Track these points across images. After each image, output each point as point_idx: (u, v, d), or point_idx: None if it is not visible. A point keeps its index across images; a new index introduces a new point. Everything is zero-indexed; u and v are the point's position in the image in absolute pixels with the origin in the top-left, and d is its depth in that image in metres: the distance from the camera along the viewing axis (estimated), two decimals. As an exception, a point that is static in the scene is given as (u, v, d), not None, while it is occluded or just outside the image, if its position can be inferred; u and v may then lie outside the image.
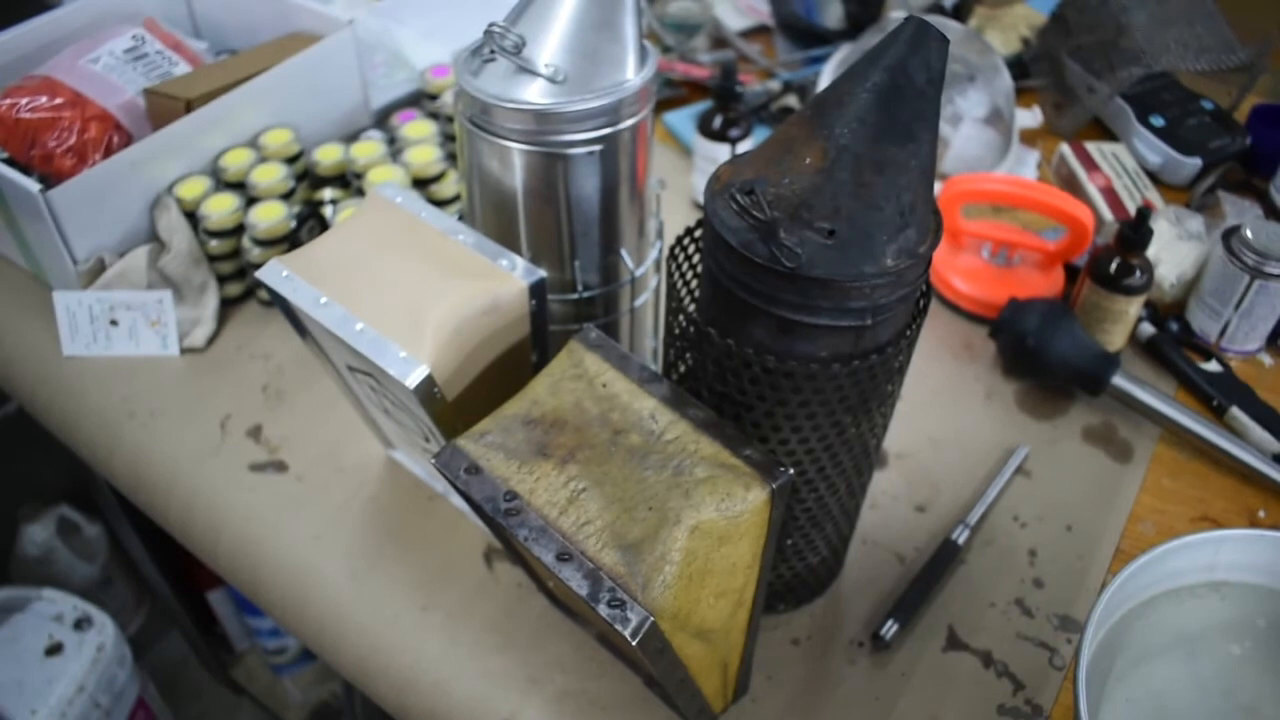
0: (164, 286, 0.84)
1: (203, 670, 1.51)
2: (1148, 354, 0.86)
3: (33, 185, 0.78)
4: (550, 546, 0.44)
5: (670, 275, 0.56)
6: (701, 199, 1.00)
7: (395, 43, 1.05)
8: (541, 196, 0.60)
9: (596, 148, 0.58)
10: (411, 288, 0.55)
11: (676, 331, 0.54)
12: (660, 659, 0.46)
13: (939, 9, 1.19)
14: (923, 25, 0.43)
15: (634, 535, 0.44)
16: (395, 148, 0.91)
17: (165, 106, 0.87)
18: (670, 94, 1.16)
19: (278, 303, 0.60)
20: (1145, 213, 0.78)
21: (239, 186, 0.87)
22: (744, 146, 0.96)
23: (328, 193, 0.88)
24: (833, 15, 1.23)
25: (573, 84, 0.55)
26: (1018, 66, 1.13)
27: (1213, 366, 0.83)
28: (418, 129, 0.92)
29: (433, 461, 0.49)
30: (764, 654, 0.64)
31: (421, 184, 0.89)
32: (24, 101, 0.83)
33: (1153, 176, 1.03)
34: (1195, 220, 0.92)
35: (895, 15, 1.17)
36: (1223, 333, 0.85)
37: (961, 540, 0.70)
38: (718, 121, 0.96)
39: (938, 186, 0.81)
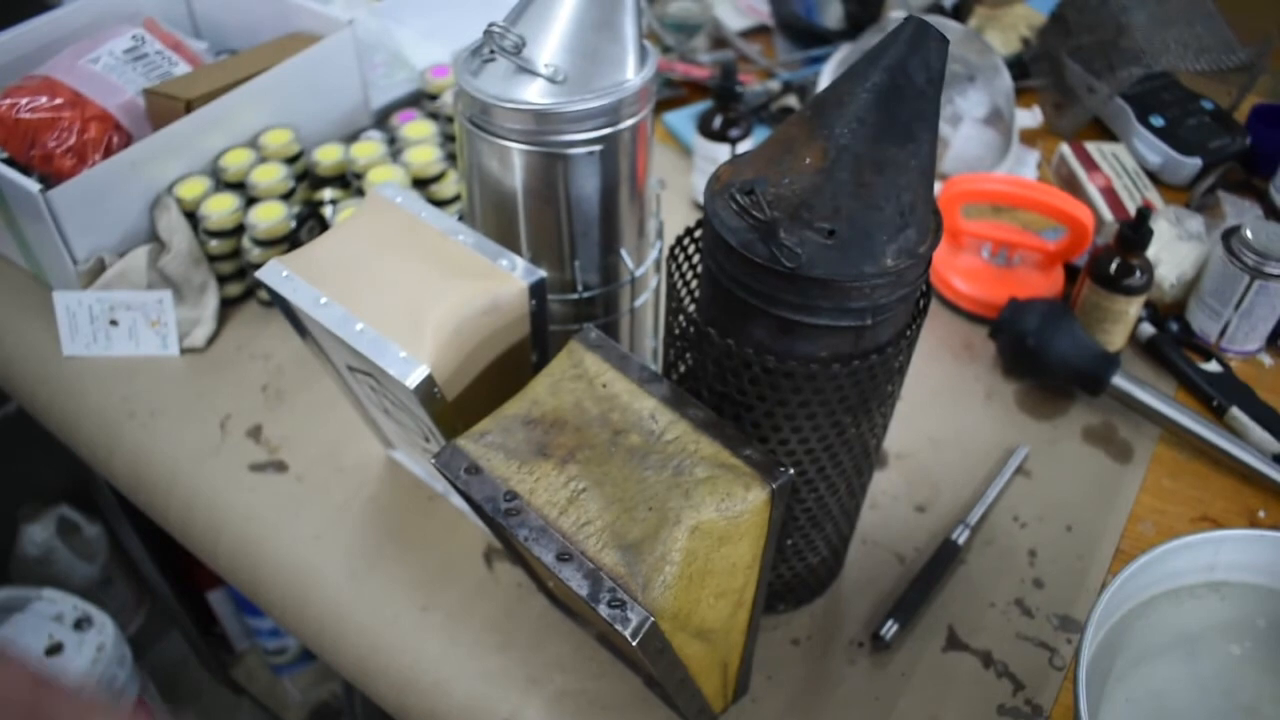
0: (164, 286, 0.84)
1: (203, 670, 1.50)
2: (1148, 354, 0.86)
3: (33, 185, 0.78)
4: (550, 546, 0.44)
5: (670, 275, 0.56)
6: (701, 199, 1.00)
7: (395, 43, 1.05)
8: (541, 196, 0.60)
9: (596, 148, 0.58)
10: (411, 288, 0.55)
11: (676, 331, 0.54)
12: (660, 659, 0.46)
13: (939, 9, 1.19)
14: (922, 25, 0.43)
15: (634, 535, 0.44)
16: (395, 148, 0.91)
17: (165, 106, 0.87)
18: (670, 94, 1.16)
19: (278, 303, 0.60)
20: (1145, 213, 0.78)
21: (239, 186, 0.87)
22: (744, 146, 0.96)
23: (328, 193, 0.88)
24: (832, 15, 1.23)
25: (573, 84, 0.55)
26: (1018, 66, 1.13)
27: (1213, 367, 0.83)
28: (418, 129, 0.92)
29: (433, 461, 0.49)
30: (764, 654, 0.64)
31: (421, 184, 0.89)
32: (24, 101, 0.83)
33: (1153, 176, 1.03)
34: (1195, 220, 0.92)
35: (895, 15, 1.17)
36: (1223, 333, 0.85)
37: (961, 540, 0.70)
38: (718, 121, 0.96)
39: (938, 186, 0.81)
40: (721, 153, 0.96)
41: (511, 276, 0.56)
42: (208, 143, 0.88)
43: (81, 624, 1.16)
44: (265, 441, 0.78)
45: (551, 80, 0.55)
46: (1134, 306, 0.81)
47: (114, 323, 0.84)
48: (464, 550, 0.70)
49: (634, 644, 0.42)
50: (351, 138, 0.95)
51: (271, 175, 0.86)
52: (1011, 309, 0.83)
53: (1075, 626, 0.66)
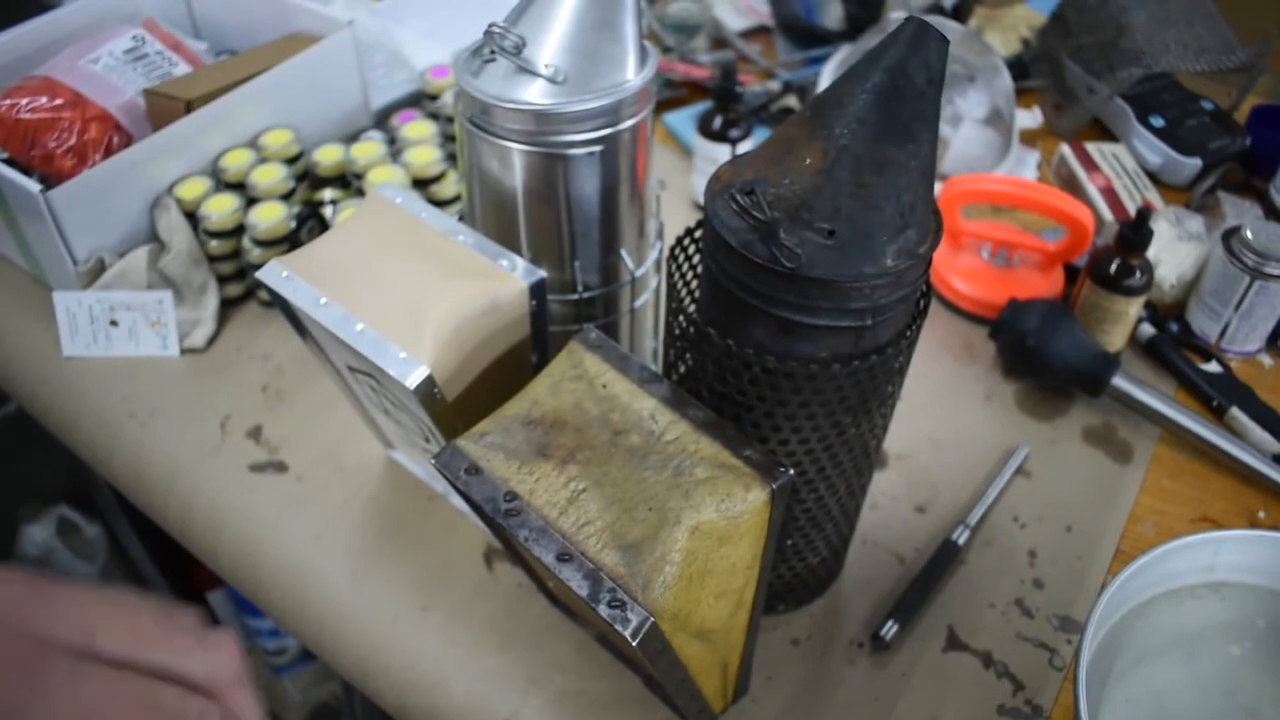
0: (164, 287, 0.84)
1: (202, 670, 1.50)
2: (1148, 355, 0.86)
3: (33, 185, 0.78)
4: (550, 547, 0.44)
5: (670, 276, 0.56)
6: (701, 199, 1.00)
7: (395, 43, 1.05)
8: (541, 197, 0.60)
9: (596, 148, 0.58)
10: (411, 288, 0.55)
11: (676, 332, 0.54)
12: (660, 659, 0.46)
13: (939, 9, 1.19)
14: (922, 26, 0.43)
15: (634, 536, 0.44)
16: (395, 148, 0.91)
17: (165, 107, 0.87)
18: (670, 94, 1.16)
19: (278, 303, 0.60)
20: (1145, 213, 0.78)
21: (239, 187, 0.87)
22: (744, 147, 0.96)
23: (328, 193, 0.88)
24: (833, 16, 1.23)
25: (573, 84, 0.55)
26: (1018, 67, 1.13)
27: (1213, 367, 0.83)
28: (418, 129, 0.92)
29: (433, 462, 0.49)
30: (764, 654, 0.64)
31: (421, 184, 0.89)
32: (24, 102, 0.83)
33: (1153, 177, 1.03)
34: (1195, 221, 0.92)
35: (895, 16, 1.17)
36: (1223, 333, 0.85)
37: (961, 541, 0.70)
38: (718, 122, 0.96)
39: (938, 187, 0.81)
40: (721, 153, 0.96)
41: (511, 277, 0.56)
42: (208, 143, 0.88)
43: (81, 624, 1.16)
44: (265, 442, 0.78)
45: (552, 80, 0.55)
46: (1134, 307, 0.81)
47: (114, 323, 0.84)
48: (464, 550, 0.70)
49: (634, 644, 0.42)
50: (351, 138, 0.95)
51: (271, 175, 0.86)
52: (1011, 309, 0.83)
53: (1075, 627, 0.66)
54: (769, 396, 0.49)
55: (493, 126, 0.57)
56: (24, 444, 1.28)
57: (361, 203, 0.81)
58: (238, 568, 0.73)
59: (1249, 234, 0.80)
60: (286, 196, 0.87)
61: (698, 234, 0.57)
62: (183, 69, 0.94)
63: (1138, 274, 0.80)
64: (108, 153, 0.85)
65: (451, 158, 0.91)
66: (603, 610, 0.42)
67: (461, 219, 0.72)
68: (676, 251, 0.56)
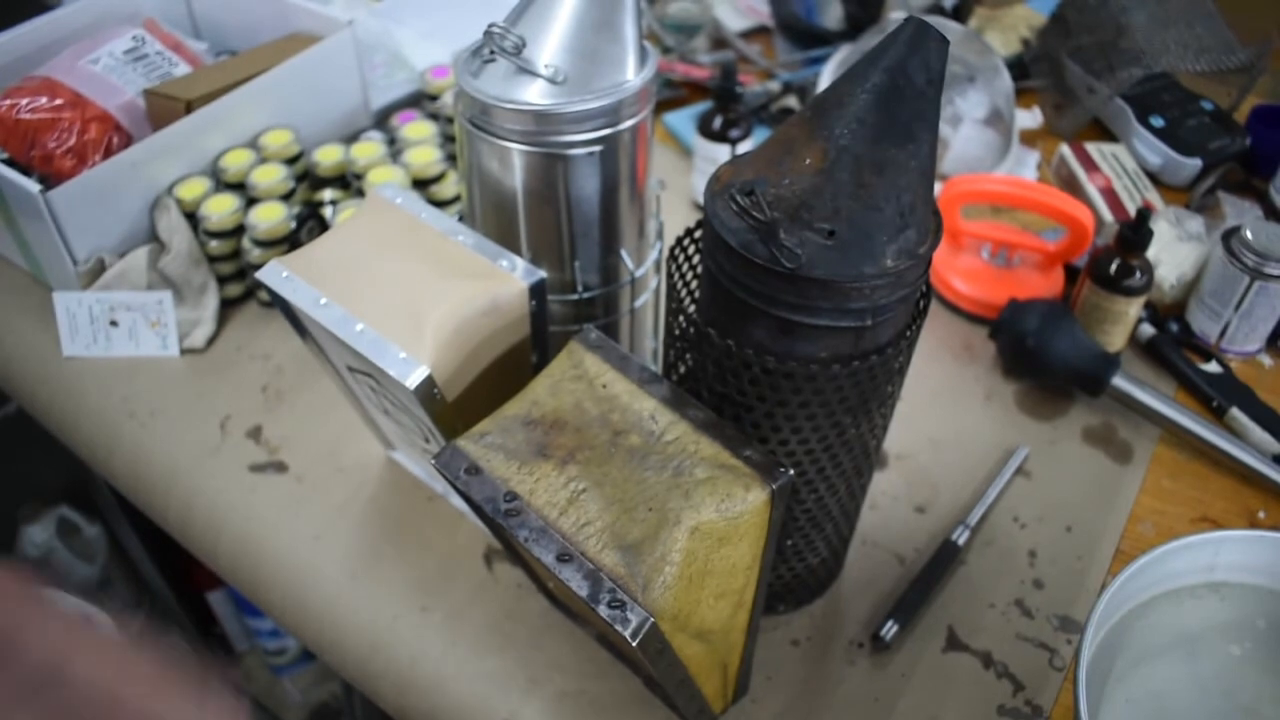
0: (164, 287, 0.84)
1: (202, 671, 1.50)
2: (1148, 355, 0.86)
3: (33, 185, 0.78)
4: (550, 547, 0.44)
5: (670, 276, 0.56)
6: (701, 199, 1.00)
7: (395, 43, 1.05)
8: (541, 197, 0.60)
9: (596, 148, 0.58)
10: (411, 288, 0.55)
11: (676, 332, 0.54)
12: (660, 660, 0.46)
13: (939, 10, 1.19)
14: (922, 26, 0.43)
15: (634, 536, 0.44)
16: (395, 148, 0.91)
17: (165, 107, 0.87)
18: (670, 94, 1.16)
19: (278, 303, 0.60)
20: (1145, 214, 0.78)
21: (239, 187, 0.87)
22: (744, 147, 0.96)
23: (328, 193, 0.88)
24: (832, 16, 1.23)
25: (573, 84, 0.55)
26: (1018, 67, 1.13)
27: (1213, 367, 0.83)
28: (418, 130, 0.92)
29: (433, 462, 0.49)
30: (764, 655, 0.64)
31: (421, 185, 0.89)
32: (24, 102, 0.83)
33: (1153, 177, 1.03)
34: (1195, 221, 0.92)
35: (895, 16, 1.17)
36: (1223, 334, 0.85)
37: (961, 541, 0.70)
38: (718, 122, 0.96)
39: (938, 187, 0.81)
40: (721, 153, 0.96)
41: (511, 277, 0.56)
42: (208, 143, 0.88)
43: (81, 624, 1.16)
44: (265, 442, 0.78)
45: (551, 81, 0.55)
46: (1134, 307, 0.81)
47: (114, 323, 0.84)
48: (464, 550, 0.70)
49: (634, 644, 0.42)
50: (351, 138, 0.95)
51: (271, 176, 0.86)
52: (1011, 310, 0.83)
53: (1075, 627, 0.66)
54: (769, 397, 0.49)
55: (493, 127, 0.57)
56: (24, 444, 1.28)
57: (361, 203, 0.81)
58: (238, 568, 0.73)
59: (1249, 234, 0.80)
60: (286, 197, 0.87)
61: (698, 234, 0.57)
62: (183, 69, 0.94)
63: (1138, 274, 0.80)
64: (108, 153, 0.85)
65: (451, 158, 0.91)
66: (603, 610, 0.42)
67: (461, 219, 0.72)
68: (676, 251, 0.56)
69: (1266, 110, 1.04)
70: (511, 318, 0.57)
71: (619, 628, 0.42)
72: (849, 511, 0.61)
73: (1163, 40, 1.01)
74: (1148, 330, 0.86)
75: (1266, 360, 0.86)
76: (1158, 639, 0.56)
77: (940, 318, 0.90)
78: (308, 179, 0.90)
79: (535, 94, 0.55)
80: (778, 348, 0.48)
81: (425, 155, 0.89)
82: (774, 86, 1.14)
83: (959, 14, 1.21)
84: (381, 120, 1.01)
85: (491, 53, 0.56)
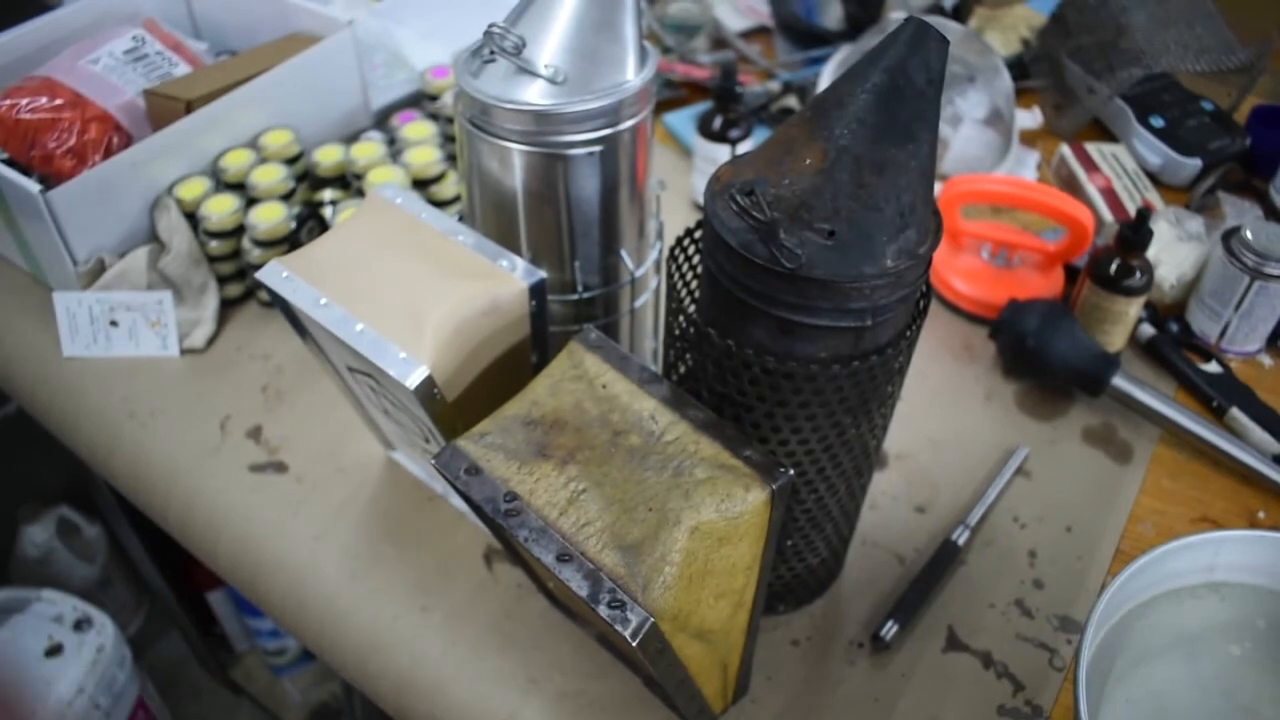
0: (164, 287, 0.84)
1: (202, 671, 1.50)
2: (1148, 355, 0.86)
3: (33, 186, 0.78)
4: (550, 547, 0.44)
5: (670, 276, 0.56)
6: (701, 199, 1.00)
7: (395, 43, 1.05)
8: (541, 197, 0.60)
9: (596, 148, 0.58)
10: (411, 288, 0.55)
11: (676, 332, 0.54)
12: (660, 660, 0.46)
13: (939, 10, 1.19)
14: (922, 26, 0.43)
15: (634, 536, 0.44)
16: (395, 148, 0.91)
17: (165, 107, 0.87)
18: (670, 95, 1.16)
19: (278, 303, 0.60)
20: (1145, 214, 0.78)
21: (239, 187, 0.87)
22: (744, 147, 0.96)
23: (328, 193, 0.88)
24: (832, 16, 1.23)
25: (573, 85, 0.55)
26: (1018, 67, 1.13)
27: (1213, 367, 0.83)
28: (418, 130, 0.92)
29: (433, 462, 0.49)
30: (764, 655, 0.64)
31: (421, 185, 0.89)
32: (24, 102, 0.83)
33: (1153, 177, 1.03)
34: (1195, 221, 0.92)
35: (895, 16, 1.17)
36: (1223, 334, 0.85)
37: (961, 541, 0.70)
38: (718, 122, 0.96)
39: (938, 187, 0.81)
40: (721, 153, 0.96)
41: (511, 277, 0.56)
42: (208, 143, 0.88)
43: (81, 625, 1.16)
44: (265, 442, 0.78)
45: (551, 81, 0.55)
46: (1134, 307, 0.81)
47: (114, 323, 0.84)
48: (464, 550, 0.70)
49: (634, 644, 0.42)
50: (351, 138, 0.95)
51: (271, 176, 0.86)
52: (1011, 310, 0.83)
53: (1075, 627, 0.66)
54: (769, 397, 0.49)
55: (493, 127, 0.57)
56: (24, 444, 1.28)
57: (361, 203, 0.81)
58: (238, 568, 0.73)
59: (1249, 234, 0.80)
60: (286, 197, 0.87)
61: (698, 234, 0.57)
62: (183, 69, 0.94)
63: (1138, 274, 0.80)
64: (108, 153, 0.85)
65: (451, 158, 0.91)
66: (603, 610, 0.42)
67: (461, 219, 0.72)
68: (676, 252, 0.56)
69: (1266, 110, 1.04)
70: (511, 318, 0.57)
71: (619, 628, 0.42)
72: (849, 511, 0.61)
73: (1163, 40, 1.01)
74: (1148, 330, 0.86)
75: (1266, 360, 0.86)
76: (1158, 639, 0.56)
77: (940, 318, 0.90)
78: (308, 179, 0.90)
79: (535, 94, 0.55)
80: (778, 348, 0.48)
81: (425, 155, 0.89)
82: (774, 86, 1.14)
83: (959, 14, 1.21)
84: (381, 120, 1.01)
85: (491, 53, 0.56)
